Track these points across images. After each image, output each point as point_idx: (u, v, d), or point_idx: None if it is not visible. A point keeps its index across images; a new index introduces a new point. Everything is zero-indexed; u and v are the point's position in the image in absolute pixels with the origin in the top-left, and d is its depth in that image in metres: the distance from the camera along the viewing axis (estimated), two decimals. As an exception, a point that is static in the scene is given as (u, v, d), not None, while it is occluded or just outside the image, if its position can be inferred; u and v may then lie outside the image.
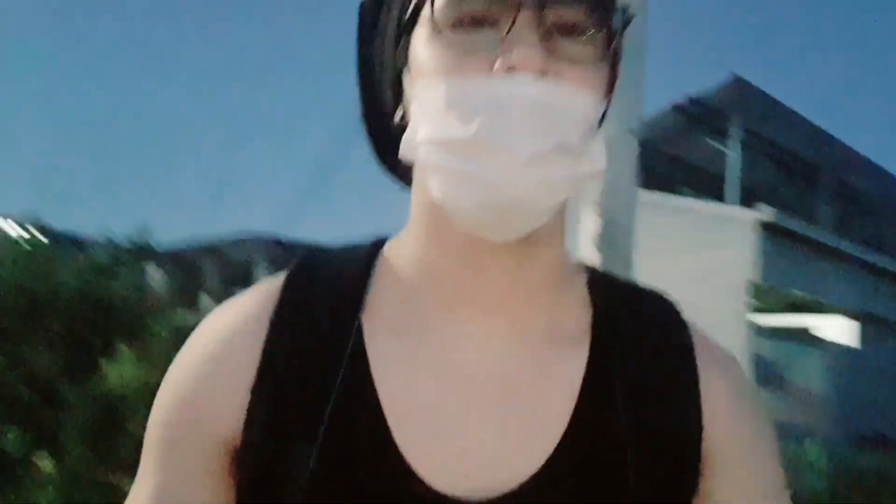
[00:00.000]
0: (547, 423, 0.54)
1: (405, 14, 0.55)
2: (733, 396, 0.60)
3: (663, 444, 0.55)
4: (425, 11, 0.53)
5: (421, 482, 0.51)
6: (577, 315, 0.60)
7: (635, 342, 0.59)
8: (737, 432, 0.58)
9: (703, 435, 0.57)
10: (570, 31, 0.51)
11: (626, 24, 0.54)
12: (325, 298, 0.58)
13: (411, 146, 0.53)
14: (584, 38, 0.52)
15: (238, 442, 0.54)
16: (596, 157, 0.52)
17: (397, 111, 0.58)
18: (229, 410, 0.54)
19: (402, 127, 0.56)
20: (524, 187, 0.49)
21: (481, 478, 0.52)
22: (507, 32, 0.49)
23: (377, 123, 0.63)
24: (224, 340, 0.57)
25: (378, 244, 0.63)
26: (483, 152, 0.49)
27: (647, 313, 0.62)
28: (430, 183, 0.53)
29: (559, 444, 0.53)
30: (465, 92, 0.50)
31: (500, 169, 0.49)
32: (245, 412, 0.54)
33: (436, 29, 0.52)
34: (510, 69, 0.49)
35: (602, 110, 0.55)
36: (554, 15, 0.50)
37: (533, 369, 0.57)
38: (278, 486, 0.52)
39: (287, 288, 0.59)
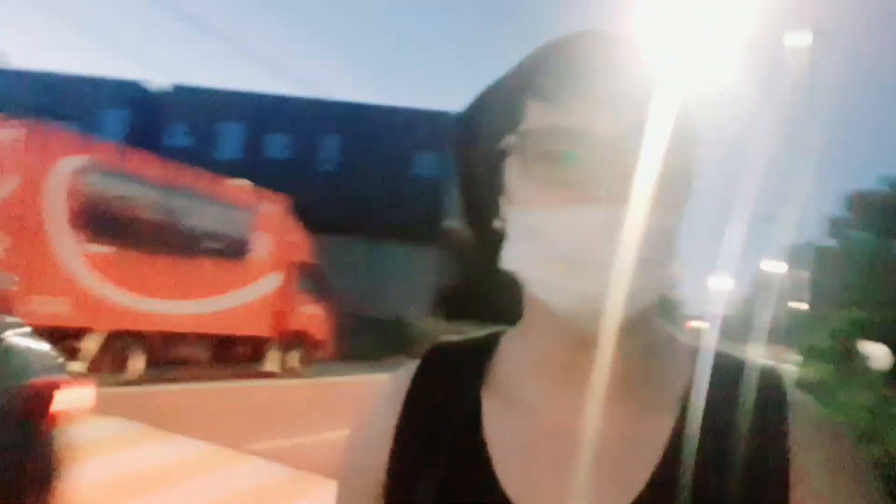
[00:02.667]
0: (628, 482, 0.60)
1: (497, 146, 0.61)
2: (828, 476, 0.60)
3: None
4: (517, 144, 0.59)
5: None
6: (673, 382, 0.65)
7: (723, 412, 0.62)
8: (830, 499, 0.59)
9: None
10: (644, 159, 0.56)
11: (696, 144, 0.60)
12: (450, 377, 0.70)
13: (513, 260, 0.61)
14: (658, 163, 0.57)
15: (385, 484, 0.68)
16: (675, 265, 0.59)
17: (495, 220, 0.65)
18: (377, 461, 0.69)
19: (498, 234, 0.64)
20: (609, 299, 0.55)
21: None
22: (589, 168, 0.56)
23: (475, 227, 0.70)
24: (375, 409, 0.73)
25: (501, 331, 0.73)
26: (572, 269, 0.56)
27: (744, 385, 0.64)
28: (531, 289, 0.61)
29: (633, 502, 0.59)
30: (556, 219, 0.57)
31: (587, 283, 0.55)
32: (387, 465, 0.68)
33: (526, 163, 0.58)
34: (593, 200, 0.55)
35: (680, 221, 0.60)
36: (630, 147, 0.56)
37: (624, 433, 0.62)
38: None
39: (421, 367, 0.72)
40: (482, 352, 0.71)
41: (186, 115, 26.63)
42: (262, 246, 12.08)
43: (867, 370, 16.84)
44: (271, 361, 12.66)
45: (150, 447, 6.56)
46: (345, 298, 15.19)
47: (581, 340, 0.61)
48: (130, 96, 27.11)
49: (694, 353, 0.67)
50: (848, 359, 19.17)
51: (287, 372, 12.89)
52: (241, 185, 11.94)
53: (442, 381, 0.70)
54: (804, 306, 21.10)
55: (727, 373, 0.65)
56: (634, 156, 0.56)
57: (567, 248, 0.56)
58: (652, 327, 0.66)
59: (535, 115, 0.59)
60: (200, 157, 23.11)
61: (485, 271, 0.69)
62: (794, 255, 24.91)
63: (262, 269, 12.17)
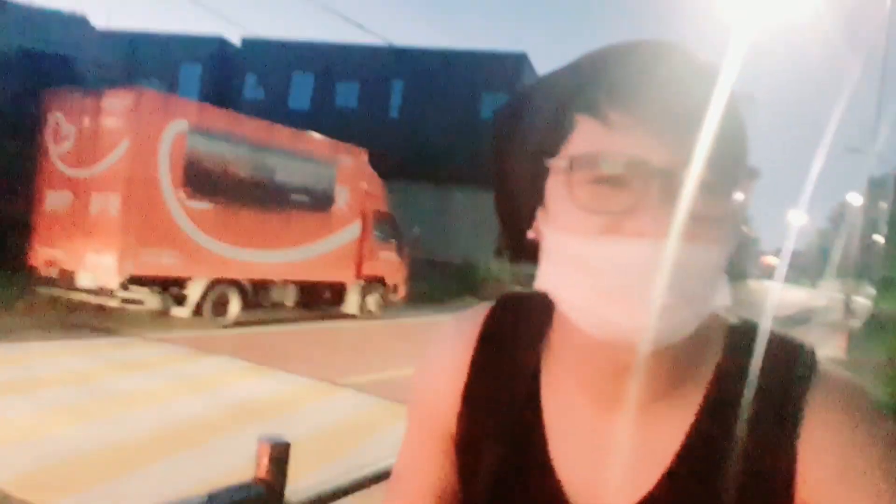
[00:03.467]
0: (655, 460, 0.63)
1: (542, 161, 0.58)
2: (844, 442, 0.58)
3: (754, 489, 0.59)
4: (562, 165, 0.56)
5: (562, 490, 0.66)
6: (707, 364, 0.65)
7: (751, 385, 0.62)
8: (845, 477, 0.58)
9: (797, 482, 0.59)
10: (696, 189, 0.53)
11: (752, 178, 0.57)
12: (515, 335, 0.72)
13: (548, 281, 0.60)
14: (708, 197, 0.53)
15: (455, 434, 0.72)
16: (720, 297, 0.56)
17: (531, 229, 0.62)
18: (448, 410, 0.72)
19: (533, 243, 0.62)
20: (648, 333, 0.53)
21: (606, 493, 0.64)
22: (638, 198, 0.52)
23: (510, 226, 0.67)
24: (444, 357, 0.74)
25: None
26: (614, 300, 0.53)
27: (771, 356, 0.63)
28: (565, 311, 0.59)
29: (659, 481, 0.62)
30: (599, 250, 0.53)
31: (626, 317, 0.53)
32: (457, 413, 0.71)
33: (569, 184, 0.55)
34: (640, 234, 0.52)
35: (731, 252, 0.57)
36: (681, 179, 0.52)
37: (651, 415, 0.64)
38: (471, 480, 0.70)
39: (489, 320, 0.74)
40: (545, 311, 0.70)
41: (259, 67, 27.29)
42: (343, 197, 12.86)
43: None
44: (351, 305, 13.58)
45: (256, 381, 7.36)
46: (415, 244, 15.88)
47: (615, 361, 0.61)
48: (208, 52, 27.95)
49: (728, 329, 0.66)
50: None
51: (365, 314, 13.81)
52: (323, 140, 12.62)
53: (509, 334, 0.72)
54: (881, 239, 20.45)
55: (758, 347, 0.64)
56: (694, 190, 0.53)
57: (607, 281, 0.53)
58: (693, 335, 0.61)
59: (585, 135, 0.55)
60: (274, 108, 23.98)
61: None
62: (875, 188, 23.94)
63: (344, 219, 12.96)
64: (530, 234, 0.62)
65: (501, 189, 0.67)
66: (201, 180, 10.22)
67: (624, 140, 0.53)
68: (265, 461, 1.59)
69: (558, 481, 0.65)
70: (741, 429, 0.60)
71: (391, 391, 7.14)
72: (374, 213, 13.75)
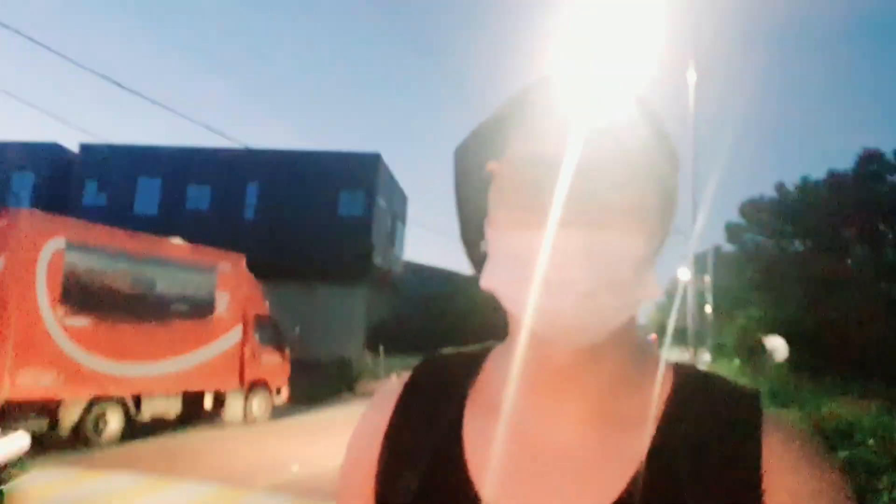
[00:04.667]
0: (603, 493, 0.61)
1: (482, 172, 0.66)
2: (803, 490, 0.60)
3: None
4: (498, 174, 0.63)
5: None
6: (647, 401, 0.66)
7: (701, 427, 0.63)
8: None
9: None
10: (617, 186, 0.59)
11: (675, 172, 0.62)
12: (437, 389, 0.74)
13: (490, 280, 0.64)
14: (631, 189, 0.59)
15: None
16: (649, 286, 0.60)
17: (482, 243, 0.67)
18: (369, 471, 0.72)
19: (485, 256, 0.66)
20: (578, 317, 0.58)
21: None
22: (563, 194, 0.58)
23: (469, 251, 0.72)
24: (366, 422, 0.76)
25: (489, 347, 0.77)
26: (546, 289, 0.58)
27: (720, 402, 0.65)
28: (507, 308, 0.64)
29: None
30: (528, 243, 0.59)
31: (559, 303, 0.57)
32: (376, 467, 0.72)
33: (505, 190, 0.62)
34: (569, 225, 0.57)
35: (658, 244, 0.62)
36: (602, 175, 0.58)
37: (599, 447, 0.64)
38: None
39: (411, 378, 0.76)
40: (471, 365, 0.74)
41: (100, 173, 26.27)
42: (223, 303, 12.67)
43: (770, 362, 18.48)
44: (235, 411, 13.14)
45: (155, 496, 7.05)
46: (296, 344, 15.80)
47: (558, 358, 0.63)
48: (42, 159, 26.59)
49: (674, 372, 0.69)
50: (753, 353, 20.82)
51: (250, 420, 13.40)
52: (202, 248, 12.50)
53: (430, 390, 0.73)
54: (709, 308, 22.92)
55: (706, 391, 0.67)
56: (610, 184, 0.58)
57: (542, 271, 0.58)
58: (628, 343, 0.67)
59: (518, 145, 0.62)
60: (119, 214, 23.08)
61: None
62: (699, 263, 26.89)
63: (225, 325, 12.72)
64: (483, 247, 0.67)
65: (461, 213, 0.73)
66: (80, 297, 9.81)
67: (549, 145, 0.60)
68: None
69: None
70: (697, 467, 0.61)
71: (295, 489, 7.12)
72: (255, 317, 13.59)
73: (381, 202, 26.94)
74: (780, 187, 25.44)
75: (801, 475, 0.61)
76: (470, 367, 0.75)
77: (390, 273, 28.42)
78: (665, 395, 0.67)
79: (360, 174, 25.64)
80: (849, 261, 23.31)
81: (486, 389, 0.72)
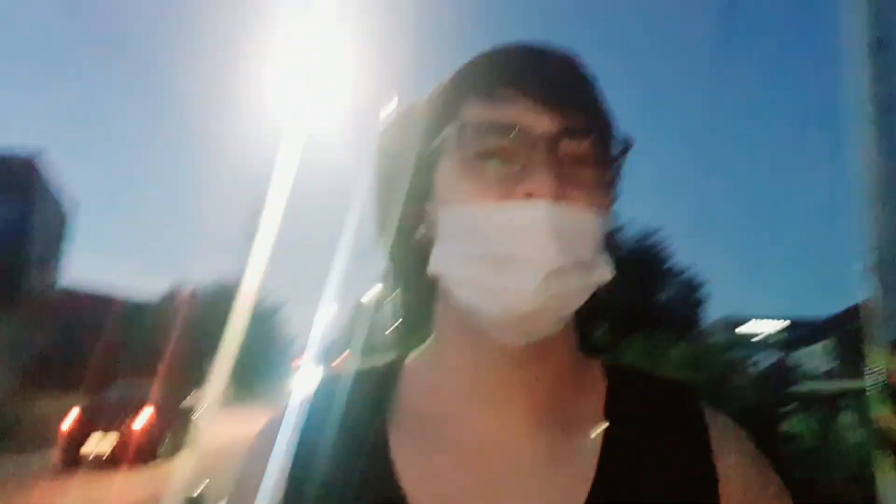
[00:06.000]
0: (566, 500, 0.58)
1: (431, 145, 0.61)
2: (749, 471, 0.62)
3: None
4: (452, 144, 0.59)
5: None
6: (591, 402, 0.64)
7: (648, 424, 0.62)
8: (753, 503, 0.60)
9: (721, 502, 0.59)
10: (578, 161, 0.57)
11: (626, 151, 0.61)
12: (349, 408, 0.64)
13: (443, 262, 0.59)
14: (589, 166, 0.58)
15: None
16: (604, 269, 0.59)
17: (418, 230, 0.63)
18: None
19: (421, 243, 0.63)
20: (543, 298, 0.54)
21: None
22: (526, 164, 0.56)
23: (394, 241, 0.67)
24: (267, 447, 0.65)
25: (401, 357, 0.70)
26: (508, 267, 0.55)
27: (661, 397, 0.65)
28: (459, 293, 0.58)
29: None
30: (491, 216, 0.56)
31: (523, 281, 0.54)
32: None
33: (460, 159, 0.58)
34: (528, 195, 0.55)
35: (607, 226, 0.60)
36: (564, 148, 0.57)
37: (548, 453, 0.60)
38: None
39: (313, 407, 0.66)
40: (383, 382, 0.67)
41: None
42: None
43: None
44: None
45: None
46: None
47: (504, 352, 0.59)
48: None
49: (605, 370, 0.67)
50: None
51: None
52: None
53: (339, 419, 0.64)
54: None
55: (643, 387, 0.65)
56: (569, 156, 0.57)
57: (498, 246, 0.55)
58: (571, 338, 0.64)
59: (473, 113, 0.59)
60: None
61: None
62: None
63: None
64: (419, 234, 0.64)
65: (387, 201, 0.67)
66: None
67: (509, 111, 0.58)
68: None
69: None
70: (650, 468, 0.60)
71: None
72: None
73: (40, 213, 23.32)
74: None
75: (745, 460, 0.63)
76: (384, 385, 0.67)
77: (47, 297, 24.67)
78: (602, 392, 0.66)
79: (11, 179, 21.88)
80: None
81: (412, 406, 0.65)
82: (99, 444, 11.03)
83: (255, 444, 0.67)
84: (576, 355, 0.66)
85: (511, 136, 0.57)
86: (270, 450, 0.64)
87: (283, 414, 0.67)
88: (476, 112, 0.59)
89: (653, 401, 0.65)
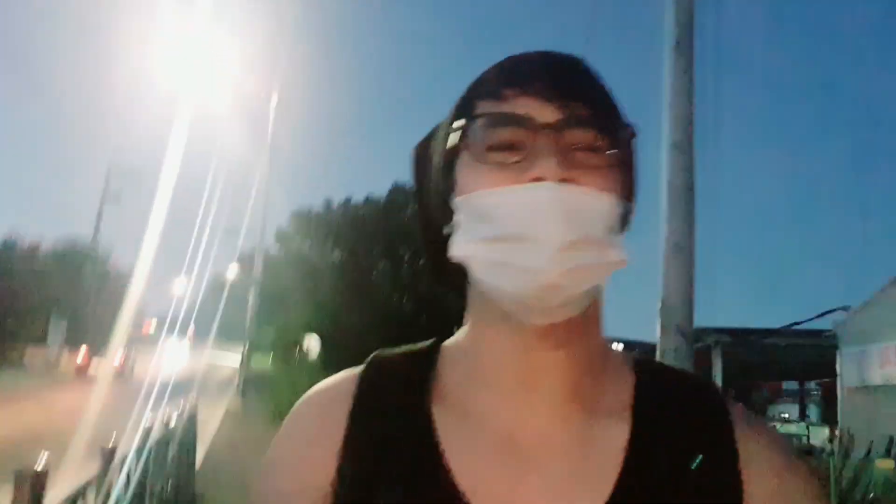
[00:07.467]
0: (594, 487, 0.60)
1: (447, 146, 0.66)
2: (774, 465, 0.63)
3: None
4: (467, 142, 0.63)
5: None
6: (619, 392, 0.66)
7: (675, 416, 0.64)
8: (778, 499, 0.61)
9: (746, 499, 0.61)
10: (583, 146, 0.61)
11: (632, 136, 0.65)
12: (396, 390, 0.67)
13: (461, 246, 0.63)
14: (595, 151, 0.61)
15: None
16: (620, 249, 0.61)
17: (447, 226, 0.66)
18: (319, 490, 0.63)
19: (448, 237, 0.66)
20: (556, 273, 0.57)
21: None
22: (532, 151, 0.60)
23: (434, 243, 0.71)
24: (312, 433, 0.67)
25: (438, 342, 0.72)
26: (521, 245, 0.58)
27: (686, 391, 0.67)
28: (479, 275, 0.62)
29: None
30: (501, 199, 0.59)
31: (535, 257, 0.57)
32: (332, 492, 0.63)
33: (474, 153, 0.62)
34: (536, 179, 0.58)
35: (624, 211, 0.63)
36: (568, 136, 0.60)
37: (580, 439, 0.63)
38: None
39: (363, 381, 0.69)
40: (424, 364, 0.69)
41: None
42: None
43: (306, 359, 20.14)
44: None
45: None
46: None
47: (528, 333, 0.62)
48: None
49: (633, 362, 0.70)
50: (289, 351, 22.34)
51: None
52: None
53: (388, 396, 0.67)
54: (254, 307, 23.91)
55: (670, 381, 0.68)
56: (574, 143, 0.60)
57: (510, 227, 0.58)
58: (595, 325, 0.66)
59: (484, 109, 0.64)
60: None
61: None
62: (247, 261, 27.69)
63: None
64: (446, 230, 0.67)
65: (425, 205, 0.73)
66: None
67: (513, 106, 0.62)
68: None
69: None
70: (679, 459, 0.61)
71: None
72: None
73: None
74: (326, 203, 28.00)
75: (772, 454, 0.65)
76: (424, 367, 0.70)
77: None
78: (630, 383, 0.68)
79: None
80: (374, 274, 26.78)
81: (451, 390, 0.68)
82: None
83: (302, 417, 0.70)
84: (604, 345, 0.69)
85: (516, 124, 0.61)
86: (326, 418, 0.67)
87: (335, 386, 0.70)
88: (485, 110, 0.64)
89: (679, 395, 0.67)
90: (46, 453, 2.45)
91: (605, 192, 0.61)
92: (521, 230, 0.58)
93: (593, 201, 0.60)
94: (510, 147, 0.62)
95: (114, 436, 3.78)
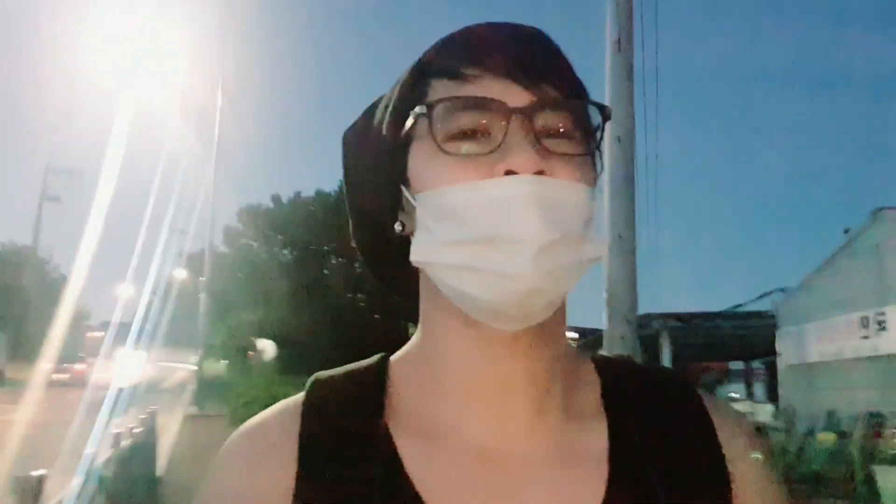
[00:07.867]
0: (583, 496, 0.56)
1: (400, 133, 0.58)
2: (750, 447, 0.62)
3: (699, 499, 0.58)
4: (423, 129, 0.55)
5: None
6: (589, 393, 0.63)
7: (650, 411, 0.61)
8: (760, 482, 0.61)
9: (733, 486, 0.59)
10: (556, 132, 0.55)
11: (605, 120, 0.58)
12: (348, 412, 0.60)
13: (424, 251, 0.56)
14: (568, 138, 0.55)
15: None
16: (597, 244, 0.56)
17: (396, 224, 0.60)
18: None
19: (401, 237, 0.60)
20: (536, 277, 0.51)
21: None
22: (503, 140, 0.53)
23: (375, 245, 0.66)
24: (256, 469, 0.58)
25: (385, 357, 0.66)
26: (495, 248, 0.52)
27: (655, 385, 0.64)
28: (445, 282, 0.55)
29: None
30: (472, 196, 0.53)
31: (513, 262, 0.51)
32: None
33: (433, 143, 0.54)
34: (509, 172, 0.52)
35: (595, 203, 0.57)
36: (541, 120, 0.54)
37: (559, 448, 0.59)
38: None
39: (308, 409, 0.61)
40: (373, 382, 0.62)
41: None
42: None
43: (260, 363, 19.84)
44: None
45: None
46: None
47: (496, 341, 0.57)
48: None
49: (595, 362, 0.66)
50: (243, 354, 22.01)
51: None
52: None
53: (339, 420, 0.59)
54: (204, 309, 23.49)
55: (637, 378, 0.65)
56: (547, 129, 0.54)
57: (483, 227, 0.52)
58: (563, 326, 0.62)
59: (441, 94, 0.56)
60: None
61: None
62: (194, 262, 27.14)
63: None
64: (397, 227, 0.60)
65: (354, 198, 0.67)
66: None
67: (479, 88, 0.55)
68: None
69: None
70: (665, 456, 0.59)
71: None
72: None
73: None
74: (276, 199, 27.62)
75: (748, 440, 0.64)
76: (372, 385, 0.63)
77: None
78: (597, 384, 0.65)
79: None
80: (326, 271, 26.58)
81: (404, 406, 0.62)
82: None
83: (237, 450, 0.61)
84: (569, 346, 0.65)
85: (482, 109, 0.54)
86: (269, 452, 0.59)
87: (276, 416, 0.62)
88: (444, 93, 0.56)
89: (649, 390, 0.64)
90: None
91: (581, 182, 0.56)
92: (496, 231, 0.52)
93: (571, 194, 0.54)
94: (475, 135, 0.55)
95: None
